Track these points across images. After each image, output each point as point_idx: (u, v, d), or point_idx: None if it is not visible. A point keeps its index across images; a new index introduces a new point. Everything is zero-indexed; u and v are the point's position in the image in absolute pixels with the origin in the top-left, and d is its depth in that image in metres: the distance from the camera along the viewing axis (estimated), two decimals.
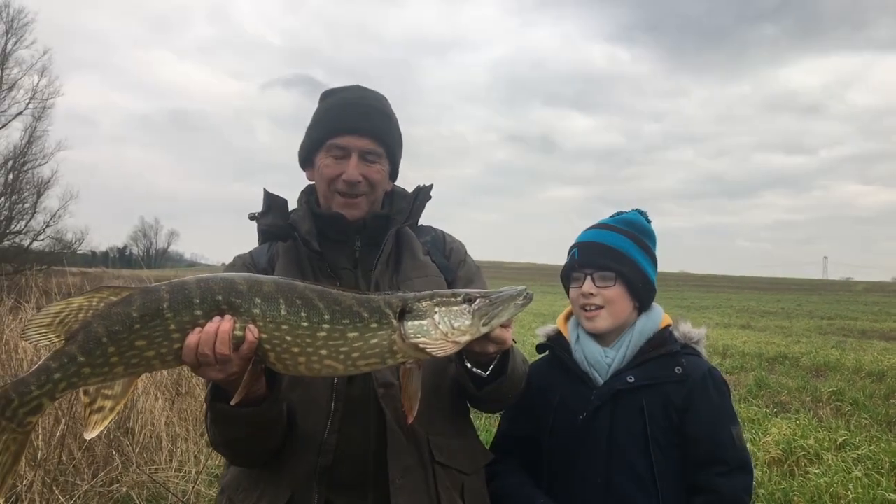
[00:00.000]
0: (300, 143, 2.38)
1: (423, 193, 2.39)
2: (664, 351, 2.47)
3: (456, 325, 1.83)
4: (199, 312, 1.80)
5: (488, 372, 2.06)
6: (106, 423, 1.82)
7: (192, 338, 1.78)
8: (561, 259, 2.75)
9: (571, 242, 2.64)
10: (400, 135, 2.37)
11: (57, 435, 5.00)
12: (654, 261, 2.62)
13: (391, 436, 2.09)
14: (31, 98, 35.99)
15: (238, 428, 1.98)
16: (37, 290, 8.81)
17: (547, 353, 2.68)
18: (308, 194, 2.38)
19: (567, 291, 2.66)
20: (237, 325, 1.79)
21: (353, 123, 2.24)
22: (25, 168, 36.45)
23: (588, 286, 2.50)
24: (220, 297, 1.81)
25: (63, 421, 5.06)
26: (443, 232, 2.52)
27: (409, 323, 1.84)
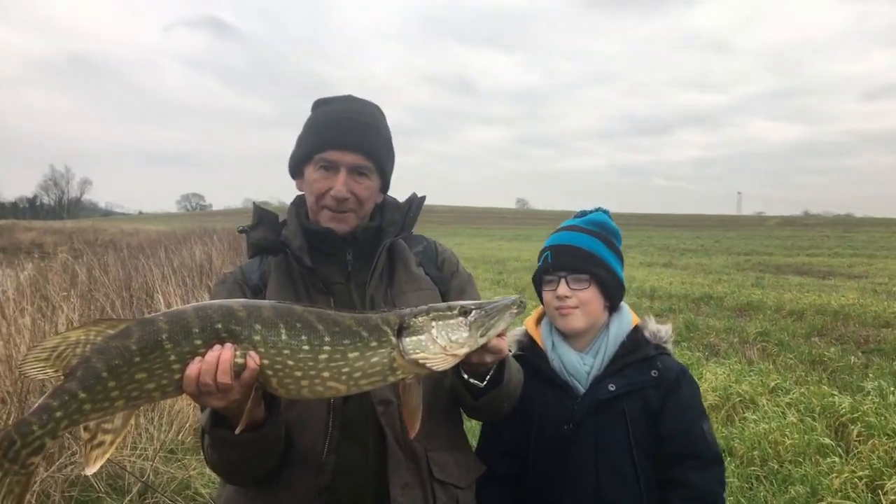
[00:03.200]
0: (291, 153, 2.32)
1: (415, 205, 2.37)
2: (640, 356, 2.54)
3: (454, 338, 1.85)
4: (198, 342, 1.78)
5: (485, 382, 2.08)
6: (106, 456, 1.80)
7: (193, 367, 1.76)
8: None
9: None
10: (391, 148, 2.33)
11: (11, 422, 4.85)
12: (621, 260, 2.69)
13: (391, 454, 2.11)
14: None
15: (238, 452, 1.97)
16: None
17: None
18: (298, 206, 2.34)
19: (539, 294, 2.70)
20: (238, 353, 1.79)
21: (342, 138, 2.20)
22: None
23: (563, 289, 2.54)
24: (219, 325, 1.79)
25: (13, 412, 4.91)
26: (434, 241, 2.51)
27: (408, 339, 1.85)
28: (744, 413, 7.18)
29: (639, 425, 2.47)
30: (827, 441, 6.13)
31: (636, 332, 2.60)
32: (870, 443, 6.07)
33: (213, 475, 5.59)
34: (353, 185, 2.20)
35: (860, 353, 10.78)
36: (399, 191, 2.46)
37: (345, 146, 2.19)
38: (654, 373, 2.51)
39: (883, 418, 6.50)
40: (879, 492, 5.15)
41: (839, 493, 5.16)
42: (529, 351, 2.64)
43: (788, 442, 6.11)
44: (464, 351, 1.86)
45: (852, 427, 6.53)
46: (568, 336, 2.60)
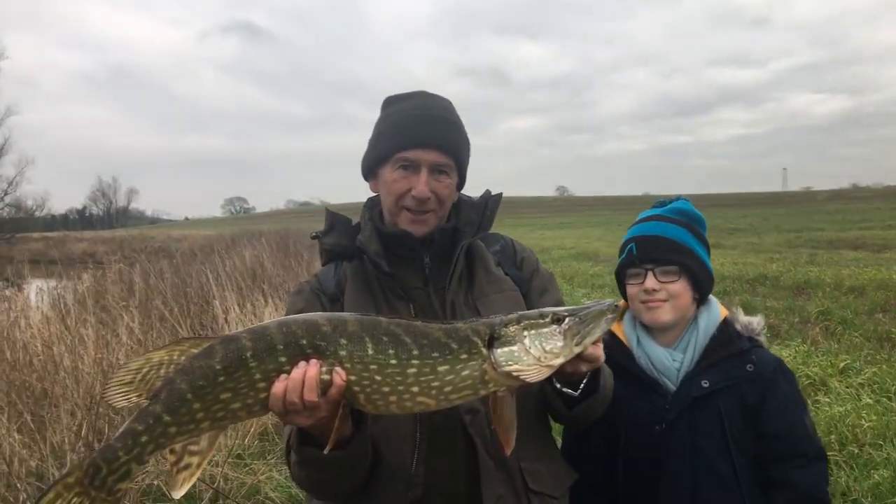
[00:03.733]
0: (363, 154, 2.25)
1: (492, 202, 2.27)
2: (735, 350, 2.41)
3: (548, 347, 1.76)
4: (283, 359, 1.73)
5: (579, 390, 1.99)
6: (193, 479, 1.77)
7: (279, 386, 1.71)
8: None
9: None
10: (468, 143, 2.25)
11: (82, 434, 4.90)
12: (708, 250, 2.55)
13: (482, 464, 2.03)
14: None
15: (327, 470, 1.92)
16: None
17: None
18: (370, 209, 2.27)
19: (621, 288, 2.58)
20: (324, 369, 1.73)
21: (423, 136, 2.10)
22: None
23: (651, 282, 2.41)
24: (304, 341, 1.74)
25: (85, 421, 4.96)
26: (511, 239, 2.41)
27: (500, 350, 1.76)
28: (815, 396, 6.97)
29: (735, 423, 2.35)
30: None
31: (726, 325, 2.46)
32: None
33: (282, 479, 5.60)
34: (434, 184, 2.12)
35: None
36: None
37: (426, 144, 2.10)
38: (749, 367, 2.38)
39: None
40: None
41: None
42: (611, 348, 2.47)
43: (866, 425, 5.89)
44: (559, 361, 1.77)
45: None
46: (654, 331, 2.48)
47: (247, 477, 5.52)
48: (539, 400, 2.15)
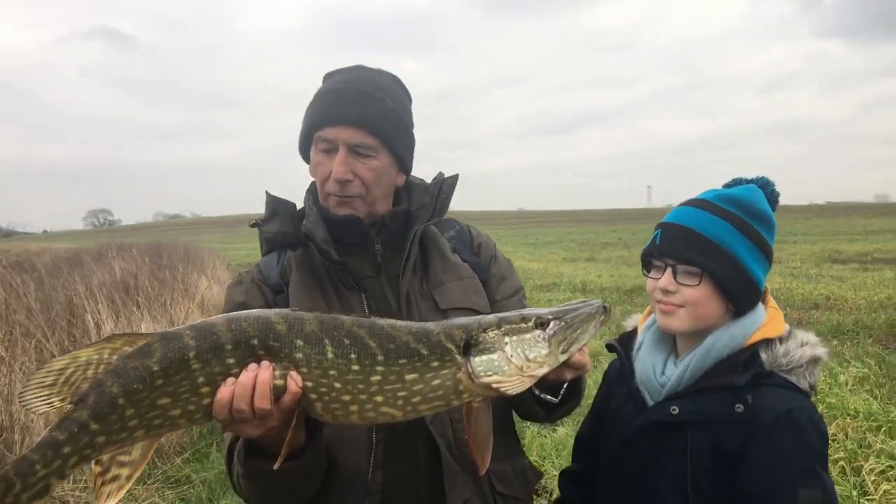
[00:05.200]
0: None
1: (447, 186, 2.10)
2: (726, 381, 1.94)
3: (531, 356, 1.60)
4: (231, 360, 1.53)
5: (560, 397, 1.83)
6: (122, 492, 1.55)
7: (225, 391, 1.51)
8: None
9: None
10: (403, 122, 2.03)
11: None
12: (765, 252, 2.06)
13: (446, 467, 1.87)
14: None
15: (278, 484, 1.71)
16: None
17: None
18: (314, 192, 2.07)
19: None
20: (277, 374, 1.53)
21: (336, 112, 1.92)
22: None
23: (667, 280, 2.01)
24: (255, 341, 1.54)
25: None
26: (468, 225, 2.25)
27: (477, 359, 1.59)
28: None
29: (702, 466, 1.95)
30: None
31: (751, 349, 1.99)
32: (834, 423, 6.07)
33: None
34: (355, 164, 1.93)
35: None
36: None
37: (340, 120, 1.91)
38: (738, 407, 1.91)
39: (841, 399, 6.57)
40: (863, 473, 5.11)
41: None
42: (624, 345, 2.24)
43: None
44: (543, 371, 1.61)
45: None
46: (676, 336, 2.14)
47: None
48: (505, 398, 1.98)
